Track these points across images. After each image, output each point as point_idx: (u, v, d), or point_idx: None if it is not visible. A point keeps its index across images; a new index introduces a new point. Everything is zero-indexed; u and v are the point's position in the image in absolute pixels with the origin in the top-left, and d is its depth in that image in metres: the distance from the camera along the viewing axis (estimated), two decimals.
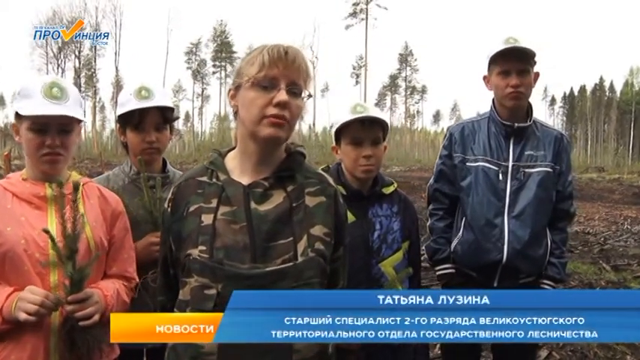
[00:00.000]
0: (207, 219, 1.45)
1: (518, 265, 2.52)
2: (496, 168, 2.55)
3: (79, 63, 60.95)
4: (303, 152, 1.59)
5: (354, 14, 65.50)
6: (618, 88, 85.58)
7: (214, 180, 1.51)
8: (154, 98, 2.25)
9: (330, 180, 1.60)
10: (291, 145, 1.57)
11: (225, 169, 1.52)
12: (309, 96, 1.49)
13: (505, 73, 2.51)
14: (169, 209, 1.55)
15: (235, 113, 1.52)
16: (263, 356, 1.37)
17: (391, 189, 2.28)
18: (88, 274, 1.70)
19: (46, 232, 1.64)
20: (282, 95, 1.40)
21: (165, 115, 2.30)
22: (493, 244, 2.51)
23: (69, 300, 1.66)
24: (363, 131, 2.14)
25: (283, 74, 1.42)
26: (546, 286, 2.60)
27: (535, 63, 2.54)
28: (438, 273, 2.69)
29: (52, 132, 1.73)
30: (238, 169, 1.52)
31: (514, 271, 2.53)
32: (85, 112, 2.05)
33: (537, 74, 2.57)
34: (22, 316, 1.60)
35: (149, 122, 2.26)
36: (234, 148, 1.58)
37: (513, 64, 2.48)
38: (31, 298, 1.60)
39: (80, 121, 1.80)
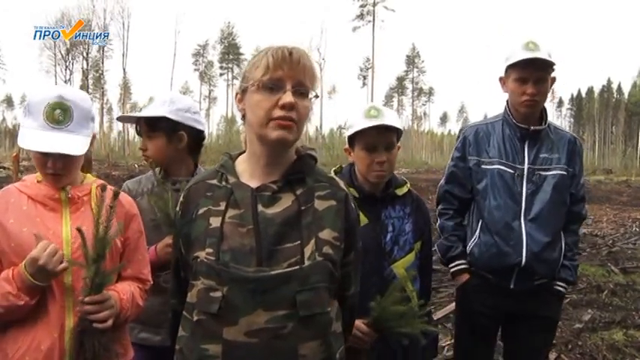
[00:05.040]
0: (215, 222, 1.44)
1: (535, 267, 2.51)
2: (512, 171, 2.53)
3: (87, 64, 61.36)
4: (315, 155, 1.56)
5: (361, 16, 65.61)
6: (626, 89, 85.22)
7: (224, 183, 1.50)
8: (148, 107, 2.40)
9: (342, 184, 1.57)
10: (302, 148, 1.55)
11: (235, 172, 1.51)
12: (316, 96, 1.47)
13: (522, 80, 2.48)
14: (180, 212, 1.55)
15: (243, 117, 1.51)
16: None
17: (404, 189, 2.26)
18: (111, 280, 1.70)
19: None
20: (287, 97, 1.38)
21: (152, 124, 2.31)
22: (512, 247, 2.50)
23: (86, 301, 1.66)
24: (378, 137, 2.12)
25: (288, 75, 1.40)
26: (560, 288, 2.61)
27: (553, 70, 2.52)
28: (451, 270, 2.69)
29: (54, 155, 1.72)
30: (248, 172, 1.50)
31: (530, 273, 2.53)
32: (94, 118, 2.08)
33: (554, 79, 2.54)
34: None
35: (142, 130, 2.37)
36: (244, 152, 1.57)
37: (532, 72, 2.45)
38: (47, 258, 1.61)
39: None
